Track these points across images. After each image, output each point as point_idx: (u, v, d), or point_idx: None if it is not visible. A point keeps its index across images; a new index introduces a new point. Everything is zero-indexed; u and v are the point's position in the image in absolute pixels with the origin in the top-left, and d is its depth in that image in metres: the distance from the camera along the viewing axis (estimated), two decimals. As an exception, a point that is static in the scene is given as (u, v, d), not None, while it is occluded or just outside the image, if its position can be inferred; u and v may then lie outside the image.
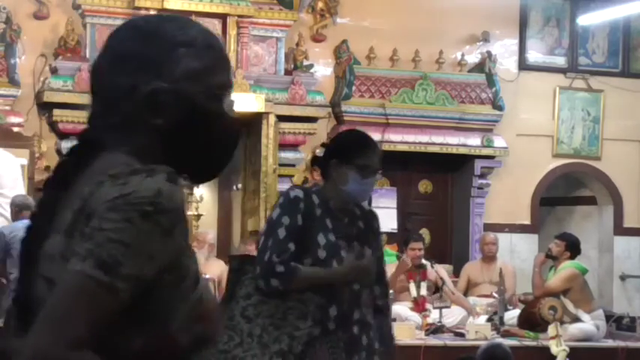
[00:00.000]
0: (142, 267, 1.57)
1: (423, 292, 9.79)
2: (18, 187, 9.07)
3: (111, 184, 1.60)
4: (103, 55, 1.79)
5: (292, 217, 3.99)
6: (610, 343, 9.73)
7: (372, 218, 4.25)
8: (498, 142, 12.31)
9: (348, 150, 4.13)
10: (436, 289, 10.00)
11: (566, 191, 13.68)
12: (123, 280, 1.55)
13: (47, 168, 11.01)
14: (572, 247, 9.82)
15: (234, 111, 1.84)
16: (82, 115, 10.95)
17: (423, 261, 9.89)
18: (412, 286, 9.74)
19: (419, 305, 9.70)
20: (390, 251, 10.76)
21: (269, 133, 11.43)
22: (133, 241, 1.56)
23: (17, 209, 8.46)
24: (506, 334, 9.43)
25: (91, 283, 1.54)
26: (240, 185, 12.66)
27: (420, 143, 11.99)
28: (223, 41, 1.72)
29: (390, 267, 10.46)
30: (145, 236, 1.57)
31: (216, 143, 1.79)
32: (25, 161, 10.02)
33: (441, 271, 10.19)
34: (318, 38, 12.22)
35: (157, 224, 1.58)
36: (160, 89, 1.71)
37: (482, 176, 12.35)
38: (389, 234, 11.44)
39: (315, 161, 4.45)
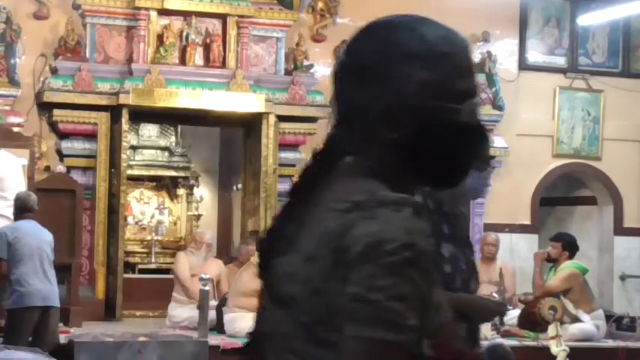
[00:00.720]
0: (420, 313, 1.58)
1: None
2: (19, 189, 9.04)
3: (357, 217, 1.60)
4: (341, 63, 1.78)
5: None
6: (610, 343, 9.74)
7: (465, 218, 3.88)
8: (498, 142, 12.30)
9: None
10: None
11: (566, 191, 13.68)
12: (410, 333, 1.57)
13: (47, 168, 11.02)
14: (569, 246, 9.82)
15: (475, 116, 1.75)
16: (82, 115, 10.97)
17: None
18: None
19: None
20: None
21: (269, 133, 11.43)
22: (404, 291, 1.56)
23: (17, 210, 8.41)
24: (506, 334, 9.43)
25: (382, 345, 1.55)
26: (240, 185, 12.67)
27: (420, 143, 11.98)
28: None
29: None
30: (413, 283, 1.56)
31: (454, 153, 1.74)
32: (25, 161, 10.01)
33: (441, 271, 10.18)
34: (318, 38, 12.23)
35: (418, 267, 1.57)
36: (393, 104, 1.69)
37: (482, 176, 12.33)
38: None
39: None
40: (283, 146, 11.71)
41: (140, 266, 14.00)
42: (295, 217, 1.72)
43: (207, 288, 9.26)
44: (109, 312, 10.85)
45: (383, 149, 1.71)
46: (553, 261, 9.81)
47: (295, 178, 1.79)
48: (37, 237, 8.28)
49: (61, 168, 11.08)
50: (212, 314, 9.53)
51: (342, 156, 1.73)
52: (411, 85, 1.69)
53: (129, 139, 11.80)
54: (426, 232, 1.61)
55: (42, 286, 8.18)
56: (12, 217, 8.64)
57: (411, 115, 1.69)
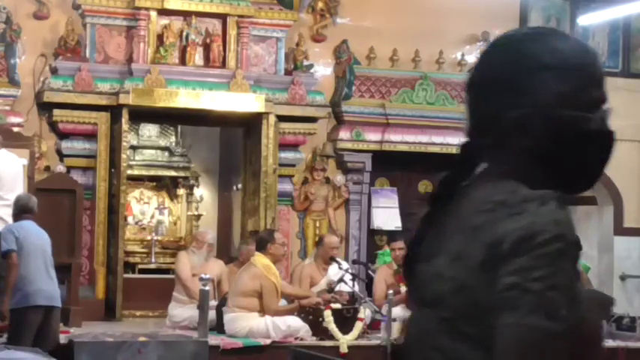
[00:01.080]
0: (576, 303, 1.63)
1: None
2: (17, 189, 9.01)
3: (506, 214, 1.67)
4: (474, 74, 1.87)
5: None
6: (610, 343, 9.73)
7: None
8: (498, 142, 12.30)
9: None
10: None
11: (566, 191, 13.67)
12: (566, 322, 1.61)
13: (47, 168, 11.02)
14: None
15: (606, 123, 1.81)
16: (82, 115, 10.97)
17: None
18: (403, 289, 9.56)
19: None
20: (388, 251, 10.77)
21: (269, 133, 11.43)
22: (560, 282, 1.61)
23: (17, 211, 8.38)
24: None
25: (540, 333, 1.60)
26: (240, 185, 12.67)
27: (420, 143, 11.99)
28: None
29: (381, 270, 10.49)
30: (565, 273, 1.63)
31: (587, 160, 1.80)
32: (25, 161, 10.00)
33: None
34: (318, 38, 12.22)
35: (568, 258, 1.64)
36: (527, 114, 1.75)
37: (482, 176, 12.34)
38: (392, 232, 11.54)
39: None
40: (283, 146, 11.71)
41: (140, 266, 14.00)
42: (435, 224, 1.79)
43: (207, 288, 9.25)
44: (109, 312, 10.85)
45: (517, 156, 1.77)
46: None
47: (433, 188, 1.85)
48: (40, 237, 8.28)
49: (61, 168, 11.08)
50: (212, 314, 9.53)
51: (478, 163, 1.81)
52: (546, 96, 1.76)
53: (129, 139, 11.80)
54: (572, 224, 1.67)
55: (46, 285, 8.16)
56: (7, 217, 8.61)
57: (545, 124, 1.75)
